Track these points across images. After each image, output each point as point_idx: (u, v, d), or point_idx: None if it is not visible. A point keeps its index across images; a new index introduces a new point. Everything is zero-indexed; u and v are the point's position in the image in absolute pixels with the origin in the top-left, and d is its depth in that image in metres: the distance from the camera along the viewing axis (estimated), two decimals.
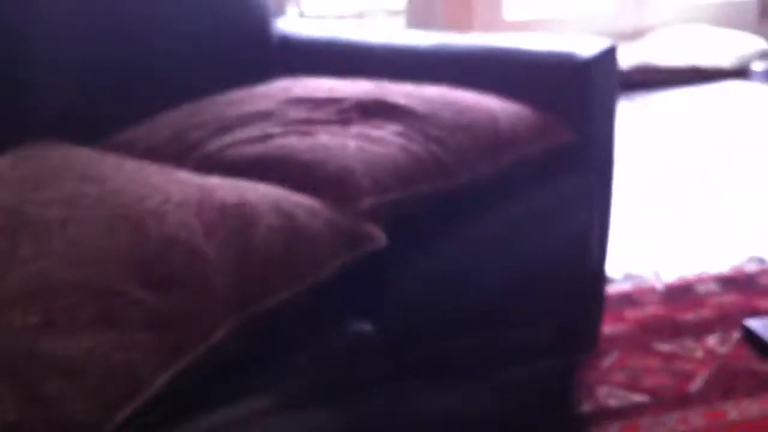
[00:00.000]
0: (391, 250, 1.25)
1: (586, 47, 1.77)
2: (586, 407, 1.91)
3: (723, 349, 2.07)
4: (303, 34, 2.13)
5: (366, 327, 1.22)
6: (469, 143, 1.55)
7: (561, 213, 1.71)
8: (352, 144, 1.36)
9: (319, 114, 1.49)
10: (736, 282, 2.44)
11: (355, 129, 1.42)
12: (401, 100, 1.60)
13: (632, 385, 1.99)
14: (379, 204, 1.27)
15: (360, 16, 4.67)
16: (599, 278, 1.87)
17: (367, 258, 1.22)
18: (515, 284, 1.62)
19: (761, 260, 2.54)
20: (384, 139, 1.40)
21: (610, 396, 1.96)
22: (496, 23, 4.41)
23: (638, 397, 1.95)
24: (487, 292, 1.55)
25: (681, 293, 2.39)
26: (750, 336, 1.32)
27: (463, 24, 4.17)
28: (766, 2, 4.51)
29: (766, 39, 4.38)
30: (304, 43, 2.10)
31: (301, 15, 4.38)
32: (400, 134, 1.46)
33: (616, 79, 1.84)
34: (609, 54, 1.77)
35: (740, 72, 4.22)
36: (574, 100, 1.75)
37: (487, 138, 1.59)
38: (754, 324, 1.31)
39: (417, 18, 4.25)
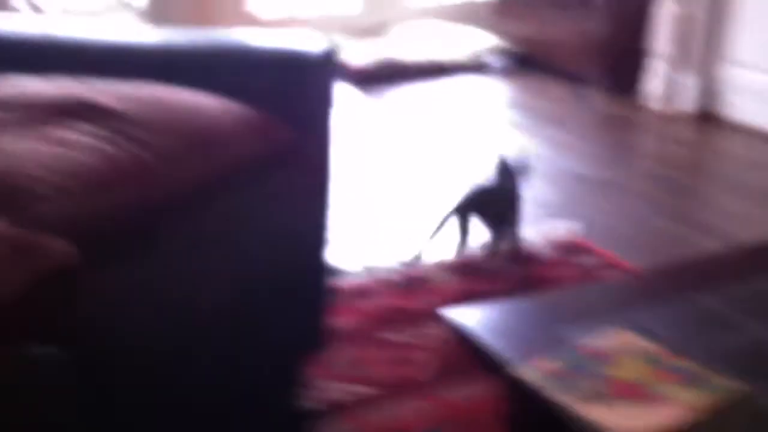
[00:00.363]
0: (86, 265, 1.17)
1: (306, 46, 1.77)
2: (312, 403, 1.91)
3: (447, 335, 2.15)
4: (10, 32, 1.98)
5: (53, 352, 1.11)
6: (179, 145, 1.49)
7: (280, 211, 1.68)
8: (35, 147, 1.26)
9: (5, 115, 1.37)
10: (466, 269, 2.54)
11: (43, 131, 1.32)
12: (104, 101, 1.50)
13: (362, 378, 2.01)
14: (61, 213, 1.17)
15: (105, 11, 4.47)
16: (322, 273, 1.88)
17: (55, 274, 1.13)
18: (234, 287, 1.59)
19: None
20: (76, 142, 1.31)
21: (336, 390, 1.97)
22: (239, 20, 4.36)
23: (364, 389, 1.98)
24: (202, 301, 1.50)
25: (414, 283, 2.46)
26: (450, 325, 1.36)
27: (205, 21, 4.10)
28: (504, 2, 4.76)
29: (500, 35, 4.63)
30: (12, 41, 1.95)
31: (36, 10, 4.12)
32: (97, 136, 1.37)
33: (334, 78, 1.84)
34: (328, 54, 1.77)
35: (476, 66, 4.44)
36: (293, 99, 1.74)
37: (198, 139, 1.54)
38: (450, 313, 1.35)
39: (158, 15, 4.13)
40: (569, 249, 2.68)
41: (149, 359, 1.37)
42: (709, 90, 3.81)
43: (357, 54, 4.33)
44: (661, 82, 3.89)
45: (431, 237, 2.49)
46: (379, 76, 4.21)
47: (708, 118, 3.78)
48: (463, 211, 2.49)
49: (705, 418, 1.17)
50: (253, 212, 1.65)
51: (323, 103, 1.81)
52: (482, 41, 4.56)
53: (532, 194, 3.07)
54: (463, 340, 1.39)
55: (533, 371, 1.25)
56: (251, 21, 4.41)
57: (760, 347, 1.34)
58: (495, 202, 2.54)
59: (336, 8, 4.72)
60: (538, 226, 2.80)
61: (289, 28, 4.48)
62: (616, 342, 1.32)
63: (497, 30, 4.67)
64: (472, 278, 2.48)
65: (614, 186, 3.18)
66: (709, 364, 1.29)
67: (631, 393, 1.20)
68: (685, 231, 2.84)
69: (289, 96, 1.74)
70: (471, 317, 1.43)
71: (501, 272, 2.51)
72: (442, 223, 2.48)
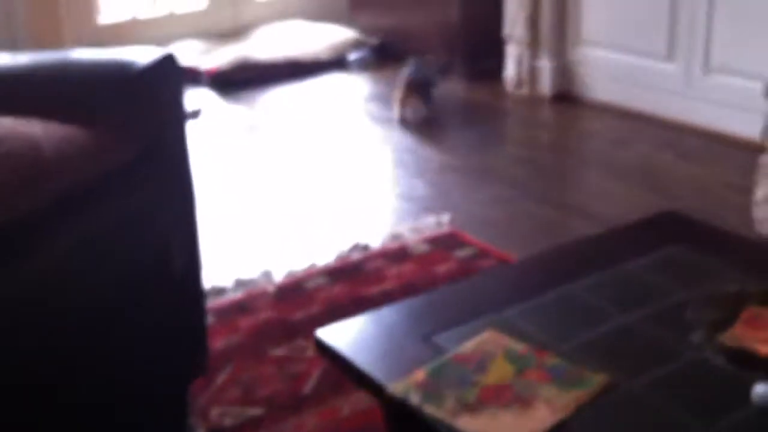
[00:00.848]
0: None
1: (142, 56, 1.69)
2: (200, 430, 1.86)
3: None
4: None
5: None
6: (6, 177, 1.40)
7: (136, 231, 1.61)
8: None
9: None
10: (343, 272, 2.52)
11: None
12: None
13: (247, 399, 1.96)
14: None
15: None
16: (196, 292, 1.82)
17: None
18: (98, 318, 1.52)
19: (365, 247, 2.65)
20: None
21: (225, 414, 1.92)
22: (89, 30, 4.21)
23: (253, 410, 1.93)
24: (62, 335, 1.43)
25: (291, 292, 2.42)
26: (321, 347, 1.32)
27: (52, 34, 3.93)
28: None
29: (357, 29, 4.62)
30: None
31: None
32: None
33: (180, 86, 1.77)
34: (167, 62, 1.70)
35: (337, 62, 4.42)
36: (133, 113, 1.65)
37: (27, 168, 1.44)
38: (321, 333, 1.32)
39: (5, 32, 3.92)
40: (443, 242, 2.69)
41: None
42: (565, 71, 3.90)
43: (213, 57, 4.24)
44: (520, 66, 3.96)
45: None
46: (238, 79, 4.13)
47: (567, 99, 3.87)
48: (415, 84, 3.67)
49: (574, 414, 1.18)
50: (110, 233, 1.57)
51: (168, 111, 1.73)
52: (341, 37, 4.54)
53: (399, 190, 3.08)
54: (335, 360, 1.36)
55: (403, 386, 1.24)
56: (97, 30, 4.26)
57: (623, 334, 1.37)
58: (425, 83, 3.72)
59: (182, 6, 4.62)
60: (409, 222, 2.81)
61: (134, 31, 4.37)
62: (486, 345, 1.32)
63: (355, 24, 4.66)
64: (349, 282, 2.46)
65: (482, 174, 3.21)
66: (576, 356, 1.31)
67: (501, 398, 1.20)
68: (555, 214, 2.89)
69: (125, 109, 1.66)
70: (341, 336, 1.40)
71: (377, 273, 2.50)
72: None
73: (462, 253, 2.62)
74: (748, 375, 1.16)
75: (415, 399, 1.20)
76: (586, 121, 3.72)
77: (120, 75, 1.65)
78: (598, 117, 3.71)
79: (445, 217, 2.83)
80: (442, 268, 2.53)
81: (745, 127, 3.16)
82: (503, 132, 3.83)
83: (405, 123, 3.68)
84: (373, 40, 4.53)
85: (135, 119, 1.64)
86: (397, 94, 3.71)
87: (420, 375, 1.25)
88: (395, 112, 3.71)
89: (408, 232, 2.75)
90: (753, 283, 1.38)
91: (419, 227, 2.78)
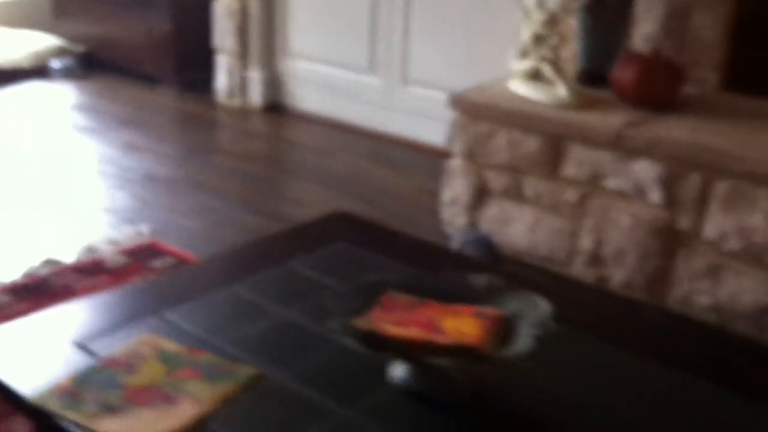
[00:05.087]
0: None
1: None
2: None
3: None
4: None
5: None
6: None
7: None
8: None
9: None
10: (29, 288, 2.39)
11: None
12: None
13: None
14: None
15: None
16: None
17: None
18: None
19: (55, 262, 2.52)
20: None
21: None
22: None
23: None
24: None
25: None
26: None
27: None
28: (59, 1, 4.55)
29: (61, 36, 4.43)
30: None
31: None
32: None
33: None
34: None
35: (40, 70, 4.20)
36: None
37: None
38: None
39: None
40: (141, 253, 2.62)
41: None
42: (275, 83, 3.95)
43: None
44: (230, 77, 3.96)
45: None
46: None
47: (277, 110, 3.92)
48: None
49: (221, 407, 1.18)
50: None
51: None
52: (44, 44, 4.33)
53: (100, 202, 2.97)
54: None
55: (48, 395, 1.18)
56: None
57: (282, 330, 1.39)
58: None
59: None
60: (107, 235, 2.71)
61: None
62: (140, 348, 1.29)
63: (58, 31, 4.46)
64: (36, 299, 2.33)
65: (189, 184, 3.17)
66: (232, 352, 1.31)
67: (148, 398, 1.18)
68: (260, 221, 2.91)
69: None
70: None
71: (65, 288, 2.39)
72: None
73: (159, 263, 2.56)
74: (383, 356, 1.21)
75: (55, 406, 1.15)
76: (295, 131, 3.79)
77: None
78: (305, 127, 3.79)
79: (146, 228, 2.76)
80: (137, 280, 2.46)
81: (436, 135, 3.35)
82: (212, 143, 3.81)
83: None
84: (79, 49, 4.35)
85: None
86: None
87: (65, 382, 1.21)
88: None
89: (105, 245, 2.65)
90: (404, 273, 1.45)
91: (117, 239, 2.69)
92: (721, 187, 2.23)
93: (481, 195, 2.69)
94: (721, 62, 2.68)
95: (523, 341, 1.17)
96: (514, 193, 2.61)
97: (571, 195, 2.49)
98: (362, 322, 1.20)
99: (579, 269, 2.50)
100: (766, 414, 1.26)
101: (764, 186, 2.16)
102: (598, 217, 2.45)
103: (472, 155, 2.68)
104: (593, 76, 2.73)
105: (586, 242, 2.48)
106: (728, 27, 2.66)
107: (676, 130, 2.37)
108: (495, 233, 2.65)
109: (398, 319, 1.20)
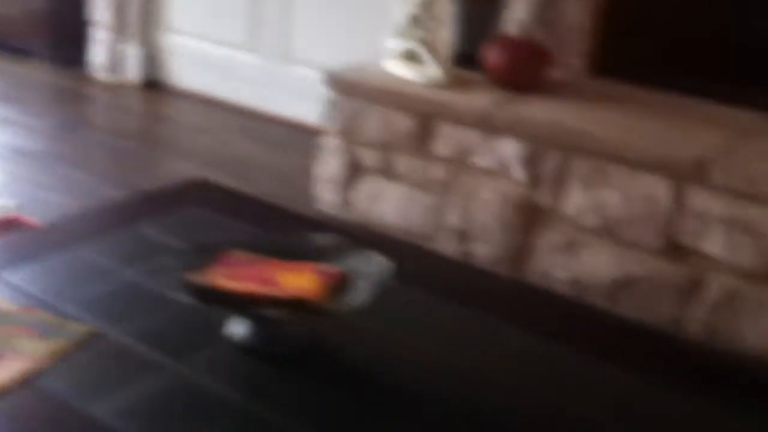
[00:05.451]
0: None
1: None
2: None
3: None
4: None
5: None
6: None
7: None
8: None
9: None
10: None
11: None
12: None
13: None
14: None
15: None
16: None
17: None
18: None
19: None
20: None
21: None
22: None
23: None
24: None
25: None
26: None
27: None
28: None
29: None
30: None
31: None
32: None
33: None
34: None
35: None
36: None
37: None
38: None
39: None
40: (1, 227, 2.54)
41: None
42: (152, 58, 3.88)
43: None
44: (106, 52, 3.87)
45: None
46: None
47: (155, 86, 3.85)
48: None
49: (51, 363, 1.16)
50: None
51: None
52: None
53: None
54: None
55: None
56: None
57: (123, 290, 1.37)
58: None
59: None
60: None
61: None
62: None
63: None
64: None
65: (60, 159, 3.09)
66: (73, 312, 1.29)
67: None
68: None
69: None
70: None
71: None
72: None
73: None
74: (220, 311, 1.21)
75: None
76: (172, 108, 3.73)
77: None
78: (182, 104, 3.73)
79: (9, 203, 2.68)
80: None
81: (315, 114, 3.35)
82: (85, 118, 3.71)
83: None
84: None
85: None
86: None
87: None
88: None
89: None
90: (251, 234, 1.45)
91: None
92: (579, 166, 2.30)
93: (354, 172, 2.71)
94: (589, 49, 2.76)
95: (360, 296, 1.18)
96: (387, 171, 2.64)
97: (439, 172, 2.53)
98: (198, 277, 1.19)
99: (446, 245, 2.55)
100: (607, 371, 1.30)
101: (619, 164, 2.25)
102: (465, 194, 2.50)
103: (346, 133, 2.69)
104: (468, 58, 2.77)
105: (452, 218, 2.53)
106: (597, 15, 2.75)
107: (539, 111, 2.43)
108: (368, 210, 2.67)
109: (235, 275, 1.20)
